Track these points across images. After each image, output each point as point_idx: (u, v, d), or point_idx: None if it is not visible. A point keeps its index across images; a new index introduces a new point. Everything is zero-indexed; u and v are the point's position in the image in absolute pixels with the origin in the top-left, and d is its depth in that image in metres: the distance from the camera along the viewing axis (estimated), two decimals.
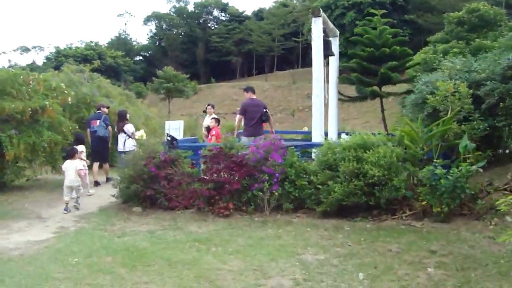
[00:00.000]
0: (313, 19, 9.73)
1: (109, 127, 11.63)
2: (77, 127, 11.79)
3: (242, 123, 9.83)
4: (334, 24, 13.19)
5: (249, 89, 10.16)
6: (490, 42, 15.54)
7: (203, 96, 52.92)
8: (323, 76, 9.89)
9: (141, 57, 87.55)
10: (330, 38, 11.17)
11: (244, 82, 60.98)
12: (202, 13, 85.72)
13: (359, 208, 7.29)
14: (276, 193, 7.55)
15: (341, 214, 7.27)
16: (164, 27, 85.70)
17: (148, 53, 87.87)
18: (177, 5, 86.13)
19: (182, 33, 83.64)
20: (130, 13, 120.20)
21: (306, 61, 70.40)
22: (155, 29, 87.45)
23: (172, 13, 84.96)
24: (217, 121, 11.62)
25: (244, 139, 9.28)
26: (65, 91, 11.84)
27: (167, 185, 8.08)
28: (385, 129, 13.55)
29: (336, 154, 7.43)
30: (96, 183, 11.02)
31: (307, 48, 68.15)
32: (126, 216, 7.91)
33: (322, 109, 9.75)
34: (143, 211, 8.10)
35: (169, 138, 8.94)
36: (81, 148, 9.89)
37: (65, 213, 8.34)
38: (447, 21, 21.74)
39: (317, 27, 9.72)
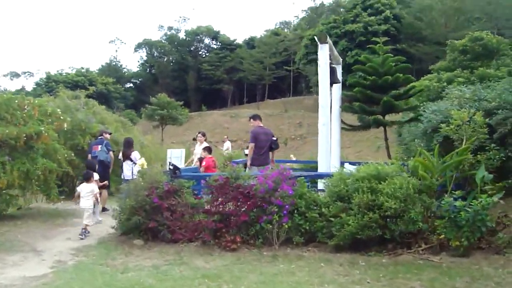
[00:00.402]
0: (320, 45, 9.48)
1: (111, 153, 11.60)
2: (72, 154, 11.41)
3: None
4: None
5: (256, 117, 9.86)
6: (494, 71, 15.53)
7: (194, 124, 52.69)
8: (330, 104, 9.65)
9: (131, 84, 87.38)
10: (334, 65, 10.97)
11: (235, 110, 61.08)
12: (193, 41, 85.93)
13: (373, 242, 6.96)
14: (286, 226, 7.15)
15: (354, 248, 6.94)
16: (155, 54, 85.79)
17: (139, 80, 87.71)
18: (169, 33, 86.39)
19: (173, 61, 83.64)
20: (121, 40, 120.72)
21: (297, 89, 70.74)
22: (146, 56, 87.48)
23: (163, 41, 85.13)
24: (209, 150, 11.05)
25: (254, 169, 8.95)
26: (61, 117, 11.48)
27: (170, 217, 7.67)
28: (389, 158, 13.31)
29: (348, 185, 7.14)
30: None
31: (299, 76, 68.68)
32: (127, 249, 7.46)
33: (329, 138, 9.48)
34: (145, 244, 7.67)
35: (171, 167, 8.56)
36: (96, 176, 9.64)
37: (80, 237, 8.41)
38: (449, 49, 21.82)
39: (323, 53, 9.50)
